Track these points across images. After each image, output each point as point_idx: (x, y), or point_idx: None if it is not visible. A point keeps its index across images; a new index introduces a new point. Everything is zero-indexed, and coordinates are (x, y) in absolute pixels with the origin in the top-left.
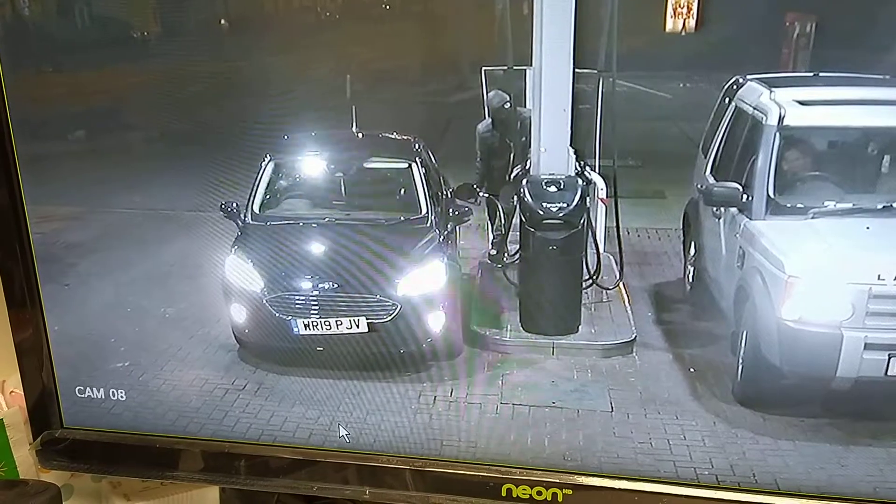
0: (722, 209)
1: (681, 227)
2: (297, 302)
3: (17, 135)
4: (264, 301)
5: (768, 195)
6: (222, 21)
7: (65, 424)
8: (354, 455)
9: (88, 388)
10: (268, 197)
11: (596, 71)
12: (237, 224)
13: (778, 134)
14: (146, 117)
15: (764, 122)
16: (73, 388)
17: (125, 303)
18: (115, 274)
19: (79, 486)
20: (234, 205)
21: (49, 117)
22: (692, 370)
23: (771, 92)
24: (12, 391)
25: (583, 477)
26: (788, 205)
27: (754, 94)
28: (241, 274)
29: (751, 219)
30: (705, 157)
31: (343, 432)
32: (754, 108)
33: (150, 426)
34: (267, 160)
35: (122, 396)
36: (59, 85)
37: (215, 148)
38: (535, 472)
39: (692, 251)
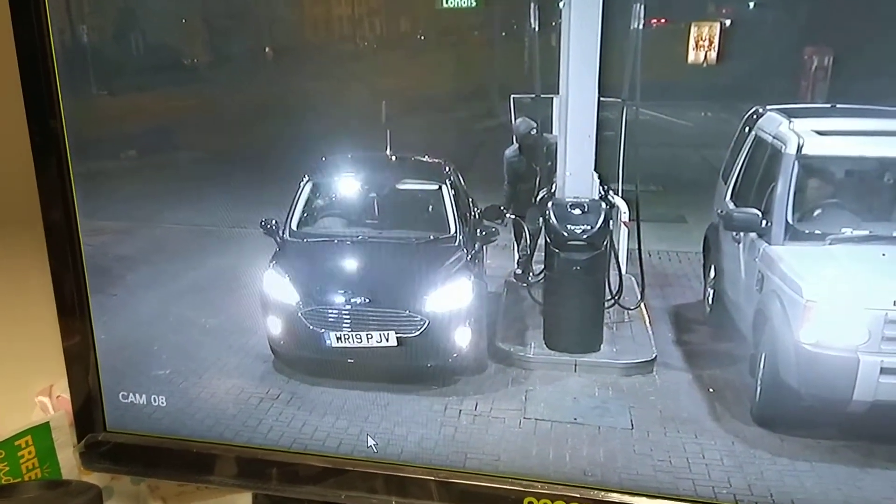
0: (741, 234)
1: (701, 250)
2: (330, 315)
3: (72, 153)
4: (299, 314)
5: (787, 221)
6: (267, 49)
7: (108, 428)
8: (382, 465)
9: (131, 394)
10: (305, 215)
11: (620, 100)
12: (276, 240)
13: (797, 162)
14: (193, 138)
15: (783, 151)
16: (117, 394)
17: (168, 313)
18: (160, 286)
19: (119, 488)
20: (274, 222)
21: (103, 137)
22: (711, 390)
23: (790, 122)
24: (59, 395)
25: (603, 492)
26: (807, 231)
27: (774, 123)
28: (278, 288)
29: (770, 244)
30: (725, 184)
31: (371, 442)
32: (774, 137)
33: (189, 431)
34: (305, 180)
35: (162, 402)
36: (113, 107)
37: (257, 168)
38: (556, 486)
39: (712, 274)
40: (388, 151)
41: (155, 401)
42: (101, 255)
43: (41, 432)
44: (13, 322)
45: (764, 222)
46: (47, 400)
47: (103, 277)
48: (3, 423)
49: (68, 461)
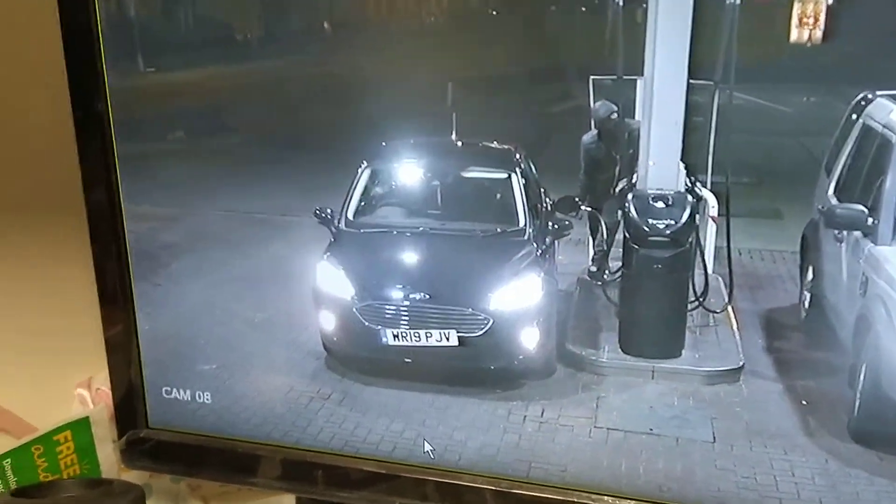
0: (845, 233)
1: (798, 250)
2: (387, 311)
3: (117, 134)
4: (354, 309)
5: None
6: (325, 24)
7: (150, 425)
8: (439, 472)
9: (175, 389)
10: (362, 204)
11: (712, 82)
12: (330, 230)
13: None
14: (245, 120)
15: (893, 142)
16: (160, 389)
17: (215, 305)
18: (207, 276)
19: (157, 486)
20: (328, 211)
21: (149, 117)
22: (804, 402)
23: None
24: (98, 388)
25: None
26: None
27: (884, 111)
28: (332, 281)
29: (876, 244)
30: (829, 177)
31: (428, 447)
32: (884, 126)
33: (234, 430)
34: (363, 167)
35: (207, 399)
36: (160, 86)
37: (312, 153)
38: (628, 500)
39: (809, 276)
40: (453, 136)
41: (199, 397)
42: (145, 243)
43: (81, 427)
44: (52, 311)
45: (871, 220)
46: (86, 393)
47: (147, 266)
48: (41, 415)
49: (107, 458)
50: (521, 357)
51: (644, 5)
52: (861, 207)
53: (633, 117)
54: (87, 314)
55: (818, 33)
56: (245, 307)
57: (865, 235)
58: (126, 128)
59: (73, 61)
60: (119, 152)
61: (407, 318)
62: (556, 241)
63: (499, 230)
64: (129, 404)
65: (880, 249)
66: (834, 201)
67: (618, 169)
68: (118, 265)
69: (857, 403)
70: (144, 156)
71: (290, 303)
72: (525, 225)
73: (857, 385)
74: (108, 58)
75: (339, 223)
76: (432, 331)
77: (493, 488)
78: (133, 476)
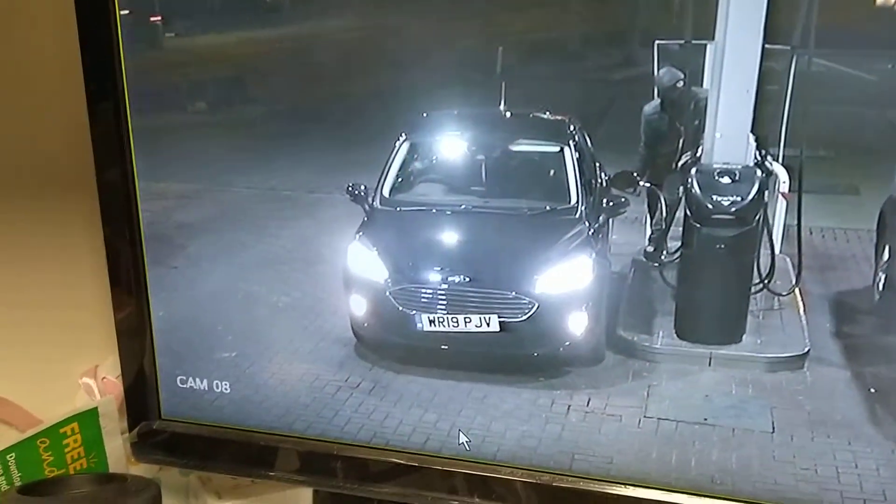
0: None
1: (875, 228)
2: (423, 295)
3: (132, 105)
4: (388, 293)
5: None
6: None
7: (163, 416)
8: (475, 465)
9: (191, 378)
10: (400, 180)
11: (789, 47)
12: (364, 208)
13: None
14: (272, 90)
15: None
16: (175, 378)
17: (236, 289)
18: (227, 258)
19: (166, 480)
20: (363, 187)
21: (168, 87)
22: (873, 391)
23: None
24: (104, 377)
25: (733, 503)
26: None
27: None
28: (364, 263)
29: None
30: None
31: (463, 439)
32: None
33: (255, 422)
34: (402, 139)
35: (226, 388)
36: (181, 52)
37: (345, 125)
38: (679, 494)
39: (885, 256)
40: (501, 106)
41: (217, 387)
42: (160, 222)
43: (88, 419)
44: (59, 296)
45: None
46: (92, 382)
47: (163, 247)
48: (46, 406)
49: (116, 451)
50: (567, 343)
51: None
52: None
53: (701, 86)
54: (96, 299)
55: None
56: (268, 291)
57: None
58: (142, 99)
59: (86, 24)
60: (134, 125)
61: (445, 302)
62: (610, 220)
63: (548, 208)
64: (140, 394)
65: None
66: None
67: (681, 141)
68: (131, 247)
69: None
70: (162, 129)
71: (318, 287)
72: (577, 202)
73: None
74: (123, 21)
75: (373, 200)
76: (472, 316)
77: (535, 481)
78: (141, 469)
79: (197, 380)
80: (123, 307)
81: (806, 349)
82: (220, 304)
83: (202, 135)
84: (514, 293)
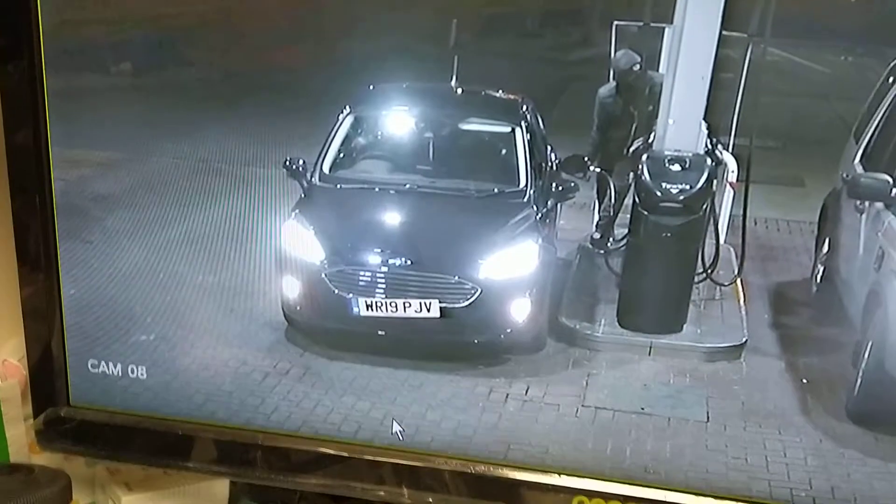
0: (866, 203)
1: (817, 220)
2: (361, 278)
3: (48, 63)
4: (323, 275)
5: None
6: None
7: (72, 402)
8: (407, 454)
9: (103, 363)
10: (342, 155)
11: (746, 35)
12: (301, 185)
13: None
14: (207, 53)
15: None
16: (86, 362)
17: (157, 267)
18: (149, 233)
19: (72, 470)
20: (301, 162)
21: (90, 43)
22: (805, 381)
23: None
24: (5, 360)
25: (665, 492)
26: None
27: None
28: (299, 242)
29: None
30: (857, 144)
31: (397, 428)
32: None
33: (172, 410)
34: (346, 112)
35: (142, 374)
36: (105, 5)
37: (285, 94)
38: (613, 483)
39: (825, 248)
40: (453, 82)
41: (133, 372)
42: (75, 192)
43: None
44: None
45: (894, 191)
46: None
47: (77, 220)
48: None
49: (18, 439)
50: (508, 330)
51: None
52: (886, 177)
53: (657, 70)
54: None
55: None
56: (194, 270)
57: (887, 207)
58: (61, 56)
59: None
60: (50, 84)
61: (383, 286)
62: (558, 205)
63: (496, 190)
64: (47, 379)
65: None
66: (859, 170)
67: (634, 127)
68: (41, 218)
69: (858, 383)
70: (82, 90)
71: (248, 267)
72: (526, 185)
73: (861, 364)
74: None
75: (312, 177)
76: (412, 300)
77: (469, 471)
78: (44, 459)
79: (110, 364)
80: (30, 284)
81: (744, 339)
82: (140, 283)
83: (126, 99)
84: (456, 278)
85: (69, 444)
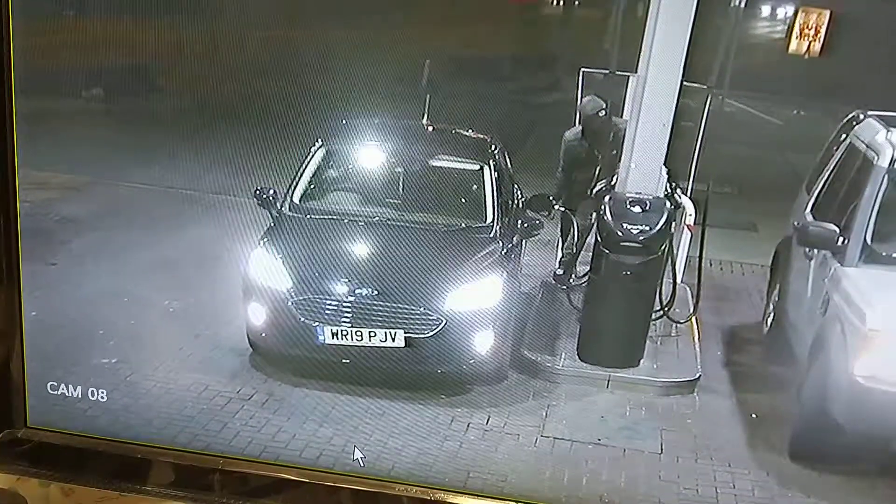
0: (815, 251)
1: (769, 265)
2: (327, 307)
3: (19, 86)
4: (289, 303)
5: (865, 241)
6: None
7: (29, 423)
8: (367, 481)
9: (63, 385)
10: (312, 187)
11: (706, 86)
12: (271, 214)
13: (886, 177)
14: (180, 82)
15: (874, 163)
16: (45, 384)
17: (122, 291)
18: (115, 257)
19: (25, 490)
20: (272, 192)
21: (62, 68)
22: (754, 416)
23: (888, 131)
24: None
25: None
26: (884, 253)
27: (871, 131)
28: (267, 270)
29: (843, 265)
30: (808, 195)
31: (359, 455)
32: (867, 147)
33: (132, 433)
34: (318, 145)
35: (102, 397)
36: (79, 31)
37: (258, 126)
38: None
39: (776, 292)
40: (424, 120)
41: (93, 394)
42: (41, 214)
43: None
44: None
45: (841, 240)
46: None
47: (41, 242)
48: None
49: None
50: (471, 361)
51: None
52: (833, 227)
53: (621, 116)
54: None
55: (817, 46)
56: (159, 295)
57: (834, 255)
58: (32, 80)
59: None
60: (19, 107)
61: (349, 315)
62: (523, 241)
63: (463, 225)
64: (5, 400)
65: (846, 270)
66: (809, 219)
67: (598, 169)
68: (5, 239)
69: (799, 421)
70: (51, 114)
71: (214, 293)
72: (493, 221)
73: (802, 405)
74: None
75: (282, 206)
76: (377, 330)
77: (429, 498)
78: None
79: (70, 387)
80: None
81: (697, 375)
82: (103, 306)
83: (97, 123)
84: (422, 309)
85: (26, 465)
